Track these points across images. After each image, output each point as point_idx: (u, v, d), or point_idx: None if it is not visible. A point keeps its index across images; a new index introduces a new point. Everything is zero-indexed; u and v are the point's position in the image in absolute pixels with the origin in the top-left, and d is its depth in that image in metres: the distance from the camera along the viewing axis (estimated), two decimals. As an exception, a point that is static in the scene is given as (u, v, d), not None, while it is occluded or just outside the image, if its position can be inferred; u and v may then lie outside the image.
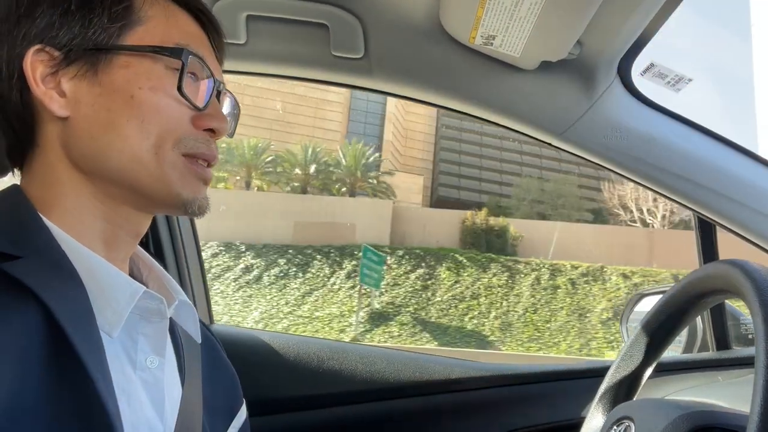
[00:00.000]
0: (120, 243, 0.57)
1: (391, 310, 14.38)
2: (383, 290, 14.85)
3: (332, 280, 15.40)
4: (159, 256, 1.21)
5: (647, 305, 1.36)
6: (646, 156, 0.96)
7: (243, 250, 16.11)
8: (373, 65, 0.96)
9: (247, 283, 14.93)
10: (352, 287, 14.23)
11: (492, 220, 18.48)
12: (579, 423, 0.80)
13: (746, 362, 1.12)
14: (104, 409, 0.45)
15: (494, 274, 15.83)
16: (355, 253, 14.90)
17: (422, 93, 0.99)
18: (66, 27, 0.53)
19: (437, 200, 30.07)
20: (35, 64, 0.53)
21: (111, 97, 0.53)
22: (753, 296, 0.51)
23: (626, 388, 0.73)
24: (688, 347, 1.27)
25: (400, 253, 16.59)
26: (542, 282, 15.58)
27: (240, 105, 0.69)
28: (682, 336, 1.28)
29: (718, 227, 1.07)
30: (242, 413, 0.72)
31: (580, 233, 18.23)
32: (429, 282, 15.55)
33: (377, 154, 25.92)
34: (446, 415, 1.18)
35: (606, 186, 23.22)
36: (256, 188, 22.22)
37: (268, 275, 15.40)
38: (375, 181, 24.38)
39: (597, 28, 0.78)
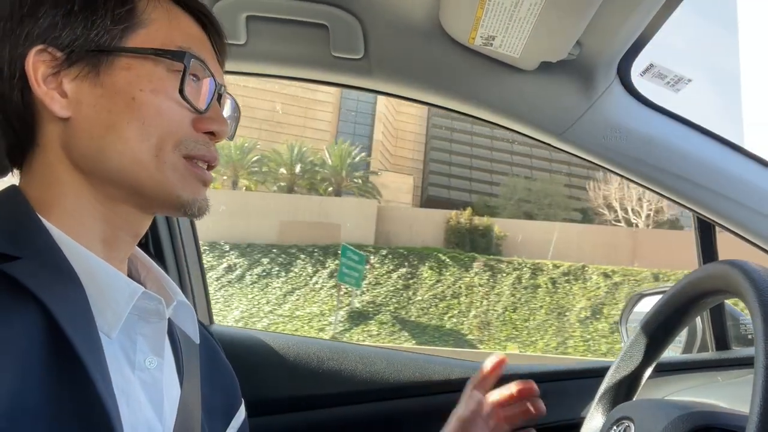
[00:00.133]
0: (119, 244, 0.58)
1: (371, 309, 14.48)
2: (364, 289, 14.93)
3: (314, 279, 15.50)
4: (159, 256, 1.21)
5: (647, 305, 1.36)
6: (646, 156, 0.96)
7: (227, 249, 16.19)
8: (373, 66, 0.96)
9: (229, 282, 15.01)
10: (334, 286, 14.31)
11: (476, 220, 18.61)
12: (579, 423, 0.80)
13: (746, 362, 1.12)
14: (104, 410, 0.45)
15: (476, 274, 15.92)
16: (339, 252, 14.96)
17: (422, 93, 0.99)
18: (69, 28, 0.53)
19: (427, 200, 30.19)
20: (37, 64, 0.53)
21: (112, 99, 0.53)
22: (753, 297, 0.51)
23: (626, 388, 0.73)
24: (688, 347, 1.27)
25: (384, 252, 16.68)
26: (523, 281, 15.70)
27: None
28: (682, 336, 1.28)
29: (717, 227, 1.08)
30: (241, 413, 0.72)
31: (565, 233, 18.32)
32: (411, 281, 15.66)
33: (363, 154, 25.97)
34: (446, 416, 1.17)
35: (592, 186, 23.36)
36: (244, 188, 22.25)
37: (250, 274, 15.48)
38: (360, 181, 24.45)
39: (596, 29, 0.78)
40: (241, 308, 14.00)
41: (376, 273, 15.85)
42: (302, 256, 16.37)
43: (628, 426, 0.64)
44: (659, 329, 0.71)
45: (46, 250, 0.50)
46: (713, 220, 1.00)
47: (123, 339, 0.54)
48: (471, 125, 33.25)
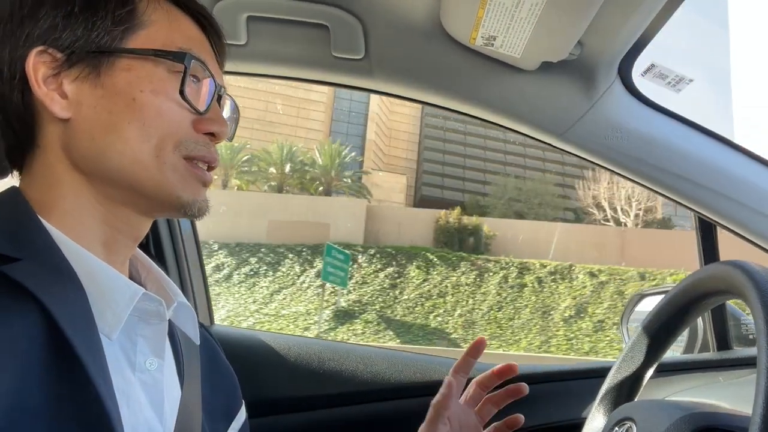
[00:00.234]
0: (119, 246, 0.58)
1: (357, 308, 14.52)
2: (351, 288, 14.96)
3: (302, 278, 15.54)
4: (159, 257, 1.21)
5: (647, 305, 1.36)
6: (647, 156, 0.96)
7: (216, 249, 16.21)
8: (374, 66, 0.96)
9: (216, 281, 15.03)
10: (321, 285, 14.27)
11: (465, 219, 18.64)
12: (580, 424, 0.80)
13: (747, 362, 1.12)
14: (104, 411, 0.45)
15: (463, 273, 15.97)
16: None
17: (423, 94, 0.99)
18: (69, 29, 0.53)
19: (421, 199, 30.26)
20: (37, 66, 0.53)
21: (113, 100, 0.53)
22: (755, 297, 0.51)
23: (627, 389, 0.73)
24: (689, 347, 1.27)
25: (372, 251, 16.70)
26: (510, 280, 15.74)
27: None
28: (683, 336, 1.27)
29: (718, 228, 1.07)
30: (242, 414, 0.72)
31: (554, 232, 18.36)
32: (398, 280, 15.70)
33: (353, 154, 26.01)
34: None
35: (581, 185, 23.43)
36: (236, 187, 22.27)
37: (238, 274, 15.51)
38: (350, 180, 24.50)
39: (597, 29, 0.78)
40: (228, 307, 14.02)
41: (363, 272, 15.88)
42: (290, 255, 16.40)
43: (630, 427, 0.64)
44: (661, 330, 0.71)
45: (46, 251, 0.50)
46: (714, 220, 1.00)
47: (123, 340, 0.54)
48: (464, 125, 33.43)
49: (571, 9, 0.73)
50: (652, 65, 0.88)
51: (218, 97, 0.60)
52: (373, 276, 15.78)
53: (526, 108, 0.95)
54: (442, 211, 19.11)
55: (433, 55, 0.91)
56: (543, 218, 23.34)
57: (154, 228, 1.19)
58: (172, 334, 0.62)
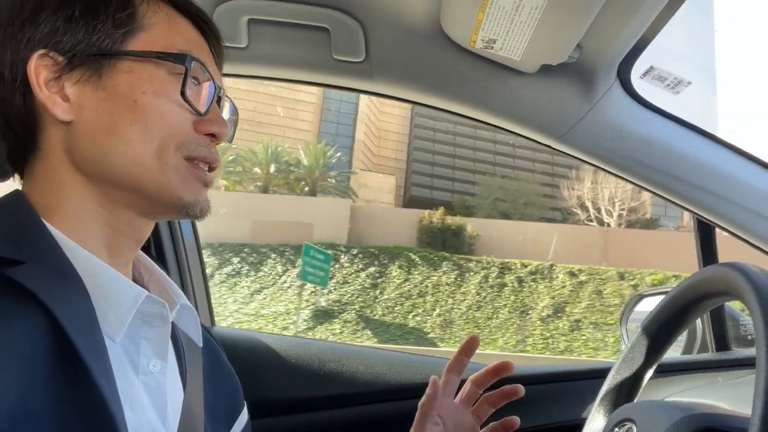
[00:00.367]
0: (122, 249, 0.58)
1: (336, 308, 14.45)
2: (332, 288, 14.89)
3: (283, 278, 15.46)
4: (161, 259, 1.21)
5: (646, 306, 1.37)
6: (646, 158, 0.96)
7: None
8: (374, 69, 0.96)
9: None
10: (301, 285, 14.21)
11: (449, 219, 18.59)
12: (580, 424, 0.80)
13: (746, 363, 1.13)
14: (109, 414, 0.45)
15: (444, 272, 15.93)
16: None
17: (423, 96, 1.00)
18: (70, 33, 0.54)
19: (410, 200, 30.24)
20: (39, 69, 0.53)
21: (114, 102, 0.54)
22: (754, 299, 0.52)
23: (627, 390, 0.73)
24: (688, 348, 1.27)
25: (355, 251, 16.62)
26: (490, 280, 15.70)
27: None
28: (682, 337, 1.28)
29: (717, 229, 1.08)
30: (243, 416, 0.72)
31: (538, 232, 18.39)
32: (379, 280, 15.63)
33: (339, 154, 25.98)
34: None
35: (566, 185, 23.49)
36: (222, 188, 22.21)
37: (219, 273, 15.43)
38: (334, 181, 24.47)
39: (597, 32, 0.78)
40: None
41: (345, 272, 15.81)
42: (273, 255, 16.32)
43: (630, 428, 0.64)
44: (660, 331, 0.72)
45: (50, 254, 0.50)
46: (713, 222, 1.01)
47: (126, 343, 0.54)
48: (454, 125, 33.47)
49: (570, 12, 0.73)
50: (651, 68, 0.88)
51: (218, 98, 0.61)
52: (354, 276, 15.72)
53: (526, 110, 0.96)
54: (426, 212, 19.06)
55: (433, 58, 0.91)
56: (528, 218, 23.32)
57: (156, 229, 1.19)
58: (175, 335, 0.62)
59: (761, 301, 0.51)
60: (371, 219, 18.55)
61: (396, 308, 14.62)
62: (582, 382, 1.21)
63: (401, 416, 1.21)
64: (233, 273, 15.56)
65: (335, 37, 0.91)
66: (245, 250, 16.45)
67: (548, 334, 13.80)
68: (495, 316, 14.45)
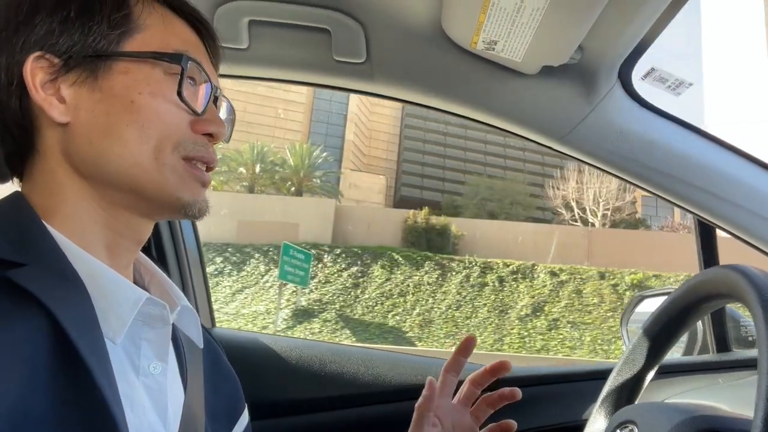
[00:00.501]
0: (122, 250, 0.58)
1: (316, 307, 14.49)
2: (313, 288, 14.90)
3: (265, 278, 15.46)
4: (161, 260, 1.21)
5: (647, 307, 1.37)
6: (647, 160, 0.96)
7: None
8: (375, 70, 0.96)
9: None
10: (280, 285, 14.18)
11: (434, 219, 18.63)
12: (581, 426, 0.80)
13: (747, 364, 1.13)
14: (110, 415, 0.45)
15: (426, 272, 15.96)
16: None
17: (424, 97, 1.00)
18: (66, 34, 0.54)
19: (400, 200, 30.22)
20: (35, 71, 0.53)
21: (111, 103, 0.54)
22: (755, 301, 0.52)
23: (628, 391, 0.73)
24: (689, 349, 1.27)
25: (338, 251, 16.63)
26: (471, 279, 15.73)
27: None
28: (683, 338, 1.28)
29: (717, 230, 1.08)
30: (244, 417, 0.72)
31: (522, 232, 18.43)
32: (360, 280, 15.66)
33: (326, 154, 25.99)
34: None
35: (550, 185, 23.48)
36: (210, 188, 22.24)
37: None
38: (319, 181, 24.49)
39: (598, 34, 0.78)
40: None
41: (327, 271, 15.82)
42: (257, 255, 16.32)
43: (632, 429, 0.64)
44: (661, 332, 0.72)
45: (50, 256, 0.50)
46: (714, 223, 1.00)
47: (127, 344, 0.54)
48: (444, 126, 33.50)
49: (571, 14, 0.73)
50: (652, 69, 0.88)
51: (215, 98, 0.61)
52: (336, 275, 15.74)
53: (527, 112, 0.96)
54: (411, 211, 19.10)
55: (434, 59, 0.91)
56: (515, 218, 23.41)
57: (156, 230, 1.19)
58: (175, 337, 0.62)
59: (763, 303, 0.51)
60: (356, 219, 18.56)
61: (376, 308, 14.68)
62: (583, 384, 1.21)
63: (402, 417, 1.20)
64: (215, 273, 15.57)
65: (336, 38, 0.91)
66: (229, 249, 16.48)
67: (525, 333, 13.90)
68: (474, 315, 14.53)
